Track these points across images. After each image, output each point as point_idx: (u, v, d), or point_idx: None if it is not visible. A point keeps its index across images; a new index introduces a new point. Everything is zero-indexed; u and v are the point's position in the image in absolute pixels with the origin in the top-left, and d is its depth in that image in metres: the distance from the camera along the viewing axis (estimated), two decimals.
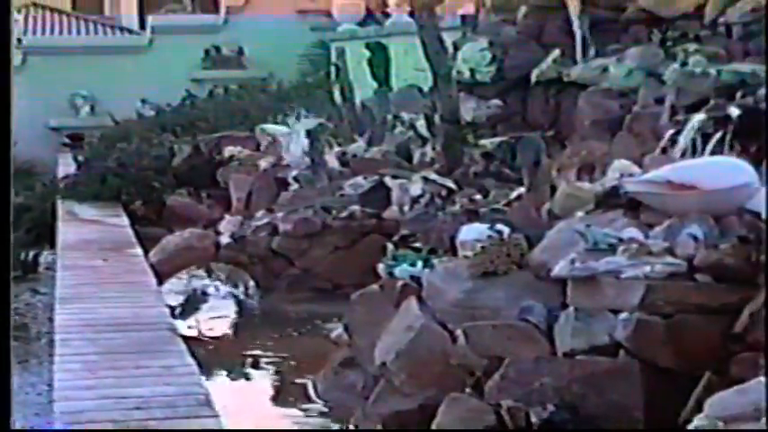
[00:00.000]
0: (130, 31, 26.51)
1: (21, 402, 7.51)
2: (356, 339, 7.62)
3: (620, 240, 6.41)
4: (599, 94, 11.85)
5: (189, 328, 9.98)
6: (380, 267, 8.32)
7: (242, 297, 11.49)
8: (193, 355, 7.59)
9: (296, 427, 7.38)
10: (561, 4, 13.33)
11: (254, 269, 11.44)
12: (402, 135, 14.62)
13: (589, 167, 9.36)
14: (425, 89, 15.06)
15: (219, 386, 7.96)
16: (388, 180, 12.12)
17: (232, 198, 14.69)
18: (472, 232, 7.73)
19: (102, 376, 7.02)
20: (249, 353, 9.18)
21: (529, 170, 10.47)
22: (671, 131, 9.57)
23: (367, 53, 18.25)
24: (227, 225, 12.06)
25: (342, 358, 7.69)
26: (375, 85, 17.81)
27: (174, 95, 20.80)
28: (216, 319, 10.74)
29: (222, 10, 25.19)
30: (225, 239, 11.56)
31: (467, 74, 13.72)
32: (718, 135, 8.82)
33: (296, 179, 13.66)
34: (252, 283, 11.47)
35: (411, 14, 15.75)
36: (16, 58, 21.73)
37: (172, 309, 9.87)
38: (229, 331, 10.48)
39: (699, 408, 5.17)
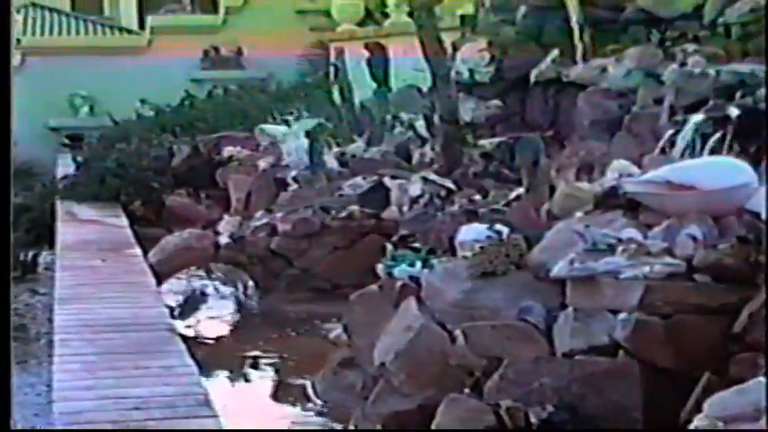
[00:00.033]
0: (129, 32, 26.54)
1: (20, 403, 7.51)
2: (355, 339, 7.62)
3: (619, 241, 6.41)
4: (598, 95, 11.85)
5: (188, 328, 9.97)
6: (379, 268, 8.32)
7: (241, 297, 11.49)
8: (192, 355, 7.59)
9: (295, 428, 7.38)
10: (560, 5, 13.33)
11: (253, 269, 11.44)
12: (401, 135, 14.63)
13: (588, 168, 9.36)
14: (424, 89, 15.07)
15: (219, 386, 7.96)
16: (387, 180, 12.12)
17: (231, 198, 14.70)
18: (471, 232, 7.74)
19: (101, 377, 7.01)
20: (248, 353, 9.17)
21: (528, 170, 10.47)
22: (670, 132, 9.58)
23: (366, 53, 18.26)
24: (227, 225, 12.07)
25: (341, 358, 7.69)
26: (374, 85, 17.82)
27: (173, 96, 20.80)
28: (215, 319, 10.74)
29: (221, 10, 25.20)
30: (224, 240, 11.57)
31: (466, 74, 13.73)
32: (718, 135, 8.82)
33: (295, 179, 13.67)
34: (251, 283, 11.47)
35: (410, 15, 15.75)
36: (15, 58, 21.73)
37: (171, 309, 9.87)
38: (228, 331, 10.48)
39: (698, 408, 5.17)
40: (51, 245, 13.31)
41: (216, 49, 24.26)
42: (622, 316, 5.97)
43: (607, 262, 6.23)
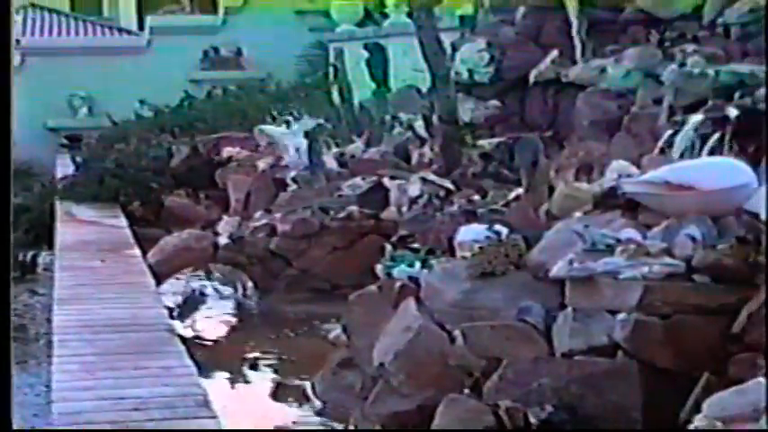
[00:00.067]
0: (129, 32, 26.56)
1: (19, 403, 7.50)
2: (354, 340, 7.62)
3: (619, 241, 6.41)
4: (597, 95, 11.86)
5: (187, 328, 9.97)
6: (379, 268, 8.33)
7: (240, 298, 11.49)
8: (192, 355, 7.59)
9: (294, 428, 7.38)
10: (559, 5, 13.34)
11: (252, 270, 11.43)
12: (400, 136, 14.64)
13: (587, 168, 9.37)
14: (424, 90, 15.09)
15: (218, 387, 7.95)
16: (386, 181, 12.12)
17: (230, 199, 14.70)
18: (470, 233, 7.74)
19: (100, 377, 7.01)
20: (247, 354, 9.17)
21: (527, 171, 10.47)
22: (669, 132, 9.58)
23: (365, 54, 18.27)
24: (226, 226, 12.06)
25: (340, 359, 7.69)
26: (373, 85, 17.84)
27: (172, 96, 20.81)
28: (214, 319, 10.74)
29: (221, 11, 25.22)
30: (223, 240, 11.56)
31: (465, 74, 13.74)
32: (717, 136, 8.83)
33: (294, 180, 13.67)
34: (250, 283, 11.47)
35: (409, 15, 15.76)
36: (15, 58, 21.73)
37: (170, 310, 9.86)
38: (228, 332, 10.48)
39: (697, 408, 5.18)
40: (50, 245, 13.31)
41: (215, 50, 24.28)
42: (621, 316, 5.97)
43: (606, 262, 6.23)
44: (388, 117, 15.45)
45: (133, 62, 23.59)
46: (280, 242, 11.46)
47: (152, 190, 15.53)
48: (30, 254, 13.33)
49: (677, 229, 6.39)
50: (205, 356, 8.61)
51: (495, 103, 13.60)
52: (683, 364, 5.81)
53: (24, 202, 15.24)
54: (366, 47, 18.45)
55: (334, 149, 14.83)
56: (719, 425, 4.79)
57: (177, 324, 9.38)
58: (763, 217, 6.35)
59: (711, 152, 8.66)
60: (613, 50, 12.39)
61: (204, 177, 15.82)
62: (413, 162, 13.58)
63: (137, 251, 11.85)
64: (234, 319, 10.87)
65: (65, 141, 22.70)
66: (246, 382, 8.61)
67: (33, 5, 26.07)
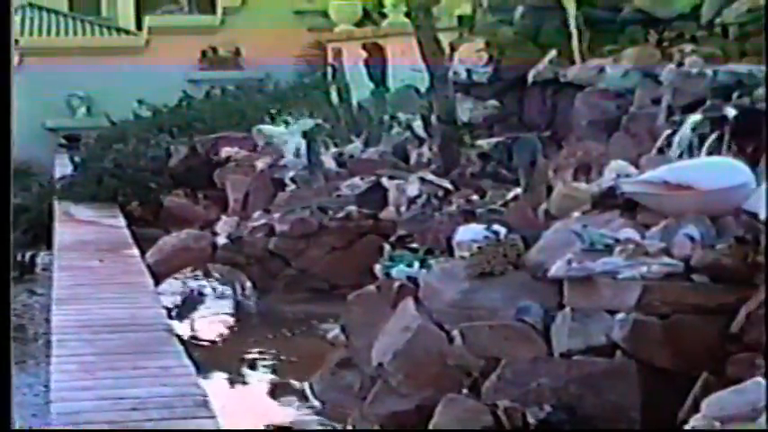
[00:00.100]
0: (127, 32, 26.51)
1: (18, 403, 7.49)
2: (353, 340, 7.62)
3: (617, 241, 6.42)
4: (596, 95, 11.85)
5: (186, 328, 9.97)
6: (377, 268, 8.32)
7: (239, 298, 11.50)
8: (190, 355, 7.59)
9: (293, 428, 7.37)
10: (558, 5, 13.33)
11: (250, 270, 11.44)
12: (399, 136, 14.63)
13: (586, 168, 9.37)
14: (422, 90, 15.07)
15: (217, 387, 7.95)
16: (384, 181, 12.12)
17: (229, 199, 14.69)
18: (469, 233, 7.74)
19: (99, 377, 7.01)
20: (246, 353, 9.17)
21: (525, 171, 10.47)
22: (667, 132, 9.58)
23: (364, 54, 18.25)
24: (224, 226, 12.06)
25: (339, 359, 7.69)
26: (372, 85, 17.81)
27: (170, 96, 20.78)
28: (213, 319, 10.74)
29: (219, 10, 25.18)
30: (222, 240, 11.56)
31: (463, 74, 13.73)
32: (715, 135, 8.83)
33: (293, 180, 13.66)
34: (249, 283, 11.47)
35: (407, 15, 15.75)
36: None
37: (169, 310, 9.87)
38: (226, 332, 10.47)
39: (696, 408, 5.18)
40: (49, 245, 13.31)
41: (214, 50, 24.24)
42: (620, 316, 5.97)
43: (605, 262, 6.23)
44: (386, 117, 15.44)
45: (131, 62, 23.55)
46: (278, 242, 11.45)
47: (150, 190, 15.52)
48: (28, 254, 13.32)
49: (676, 229, 6.39)
50: (204, 356, 8.62)
51: (493, 102, 13.60)
52: (682, 363, 5.81)
53: (23, 202, 15.23)
54: (365, 47, 18.42)
55: (333, 149, 14.82)
56: (718, 425, 4.79)
57: (176, 324, 9.38)
58: (761, 217, 6.35)
59: (710, 152, 8.67)
60: (612, 50, 12.39)
61: (203, 177, 15.81)
62: (411, 162, 13.58)
63: (135, 251, 11.84)
64: (232, 319, 10.88)
65: (63, 141, 22.65)
66: (245, 382, 8.61)
67: (31, 5, 26.01)
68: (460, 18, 16.68)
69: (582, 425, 5.74)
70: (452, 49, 14.25)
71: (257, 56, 23.42)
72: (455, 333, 6.45)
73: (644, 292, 5.95)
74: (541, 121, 13.04)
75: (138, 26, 27.19)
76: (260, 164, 14.77)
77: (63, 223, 14.00)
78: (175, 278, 11.52)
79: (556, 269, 6.43)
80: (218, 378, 8.47)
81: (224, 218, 12.69)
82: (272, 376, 8.62)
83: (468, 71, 13.70)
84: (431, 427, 6.06)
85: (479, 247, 7.08)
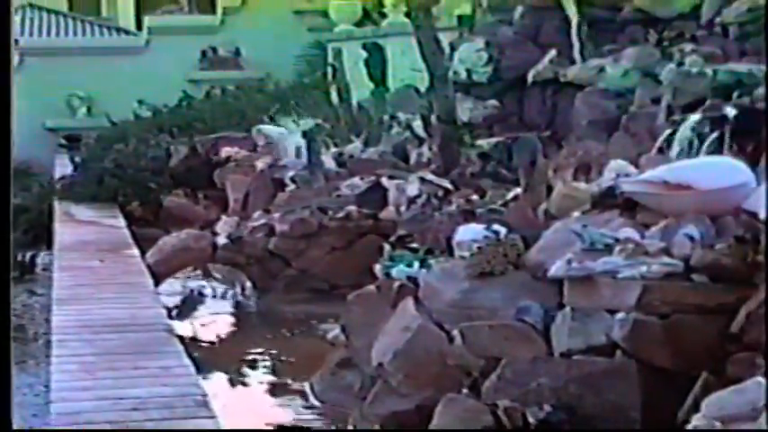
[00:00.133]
0: (127, 32, 26.53)
1: (18, 403, 7.48)
2: (353, 340, 7.62)
3: (617, 240, 6.41)
4: (596, 95, 11.87)
5: (186, 328, 9.96)
6: (377, 268, 8.32)
7: (239, 298, 11.49)
8: (190, 355, 7.59)
9: (293, 428, 7.37)
10: (558, 5, 13.34)
11: (250, 270, 11.44)
12: (399, 135, 14.64)
13: (585, 168, 9.36)
14: (422, 90, 15.08)
15: (217, 387, 7.95)
16: (384, 180, 12.12)
17: (229, 199, 14.70)
18: (469, 233, 7.73)
19: (99, 377, 7.02)
20: (246, 354, 9.17)
21: (525, 170, 10.47)
22: (667, 131, 9.59)
23: (364, 54, 18.26)
24: (224, 226, 12.06)
25: (339, 359, 7.69)
26: (372, 85, 17.83)
27: (170, 96, 20.80)
28: (213, 319, 10.74)
29: (219, 11, 25.20)
30: (222, 240, 11.56)
31: (463, 74, 13.74)
32: (715, 135, 8.83)
33: (293, 180, 13.66)
34: (249, 283, 11.47)
35: (407, 15, 15.76)
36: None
37: (169, 310, 9.86)
38: (226, 332, 10.47)
39: (696, 408, 5.18)
40: (49, 245, 13.31)
41: (214, 50, 24.27)
42: (620, 316, 5.97)
43: (605, 262, 6.23)
44: (386, 117, 15.45)
45: (131, 62, 23.58)
46: (278, 242, 11.46)
47: (151, 190, 15.53)
48: (28, 254, 13.33)
49: (676, 229, 6.39)
50: (204, 356, 8.62)
51: (493, 102, 13.61)
52: (682, 363, 5.81)
53: (23, 202, 15.24)
54: (364, 47, 18.43)
55: (333, 149, 14.83)
56: (718, 424, 4.79)
57: (176, 324, 9.38)
58: (761, 216, 6.35)
59: (710, 152, 8.67)
60: (612, 50, 12.40)
61: (203, 177, 15.81)
62: (411, 162, 13.59)
63: (135, 251, 11.85)
64: (232, 319, 10.88)
65: (63, 141, 22.68)
66: (245, 382, 8.61)
67: (31, 5, 26.03)
68: (460, 18, 16.70)
69: (582, 424, 5.74)
70: (452, 48, 14.26)
71: (257, 56, 23.44)
72: (455, 333, 6.45)
73: (644, 291, 5.95)
74: (541, 120, 13.05)
75: (138, 26, 27.20)
76: (260, 164, 14.78)
77: (63, 223, 14.01)
78: (175, 278, 11.51)
79: (556, 269, 6.43)
80: (219, 378, 8.47)
81: (224, 218, 12.69)
82: (272, 376, 8.61)
83: (468, 71, 13.70)
84: (431, 426, 6.06)
85: (479, 247, 7.08)
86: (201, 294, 11.58)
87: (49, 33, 25.31)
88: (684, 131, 9.20)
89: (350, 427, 6.86)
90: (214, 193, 15.42)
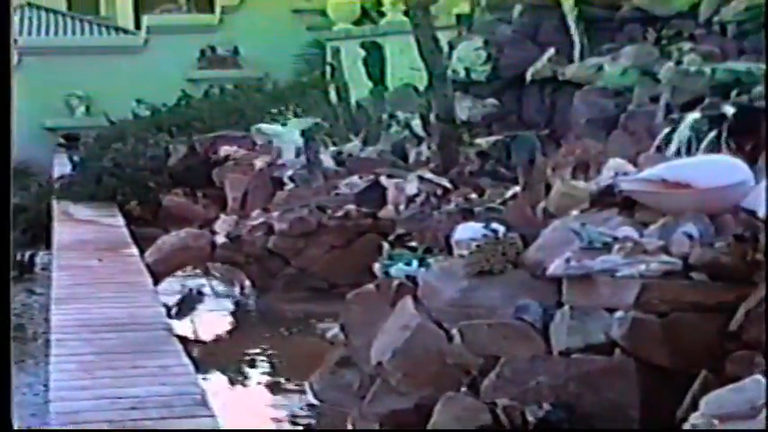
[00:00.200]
0: (126, 32, 26.54)
1: (17, 403, 7.48)
2: (352, 339, 7.62)
3: (616, 239, 6.41)
4: (594, 93, 11.86)
5: (185, 328, 9.97)
6: (376, 267, 8.31)
7: (238, 297, 11.50)
8: (189, 354, 7.60)
9: (292, 427, 7.38)
10: (556, 3, 13.33)
11: (250, 269, 11.44)
12: (397, 134, 14.63)
13: (584, 166, 9.35)
14: (421, 88, 15.07)
15: (216, 386, 7.96)
16: (383, 179, 12.12)
17: (228, 198, 14.70)
18: (468, 231, 7.73)
19: (98, 376, 7.02)
20: (245, 352, 9.17)
21: (524, 169, 10.46)
22: (666, 130, 9.58)
23: (362, 52, 18.26)
24: (223, 225, 12.06)
25: (338, 358, 7.69)
26: (370, 84, 17.82)
27: (169, 95, 20.80)
28: (212, 318, 10.74)
29: (217, 10, 25.19)
30: (221, 239, 11.56)
31: (462, 73, 13.74)
32: (713, 133, 8.83)
33: (291, 179, 13.66)
34: (248, 282, 11.48)
35: (406, 13, 15.75)
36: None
37: (168, 309, 9.86)
38: (225, 331, 10.48)
39: (695, 406, 5.18)
40: (48, 245, 13.31)
41: (212, 49, 24.26)
42: (619, 314, 5.97)
43: (603, 260, 6.23)
44: (385, 116, 15.43)
45: (130, 61, 23.58)
46: (277, 241, 11.46)
47: (149, 189, 15.53)
48: (27, 253, 13.32)
49: (674, 227, 6.39)
50: (203, 355, 8.63)
51: (492, 101, 13.60)
52: (681, 361, 5.81)
53: (22, 201, 15.23)
54: (363, 45, 18.42)
55: (332, 148, 14.82)
56: (717, 423, 4.79)
57: (175, 323, 9.38)
58: (760, 214, 6.35)
59: (708, 150, 8.66)
60: (610, 48, 12.39)
61: (201, 176, 15.82)
62: (410, 161, 13.59)
63: (134, 250, 11.85)
64: (232, 318, 10.88)
65: (62, 141, 22.67)
66: (244, 381, 8.61)
67: (30, 5, 26.03)
68: (459, 16, 16.68)
69: (581, 423, 5.74)
70: (451, 47, 14.25)
71: (256, 55, 23.44)
72: (454, 331, 6.45)
73: (643, 290, 5.95)
74: (540, 119, 13.05)
75: (137, 25, 27.21)
76: (259, 163, 14.78)
77: (62, 223, 14.01)
78: (174, 277, 11.51)
79: (554, 267, 6.43)
80: (218, 377, 8.47)
81: (223, 217, 12.69)
82: (271, 375, 8.61)
83: (467, 69, 13.70)
84: (430, 425, 6.06)
85: (478, 246, 7.07)
86: (200, 293, 11.58)
87: (47, 32, 25.30)
88: (683, 130, 9.20)
89: (349, 427, 6.86)
90: (213, 192, 15.42)
